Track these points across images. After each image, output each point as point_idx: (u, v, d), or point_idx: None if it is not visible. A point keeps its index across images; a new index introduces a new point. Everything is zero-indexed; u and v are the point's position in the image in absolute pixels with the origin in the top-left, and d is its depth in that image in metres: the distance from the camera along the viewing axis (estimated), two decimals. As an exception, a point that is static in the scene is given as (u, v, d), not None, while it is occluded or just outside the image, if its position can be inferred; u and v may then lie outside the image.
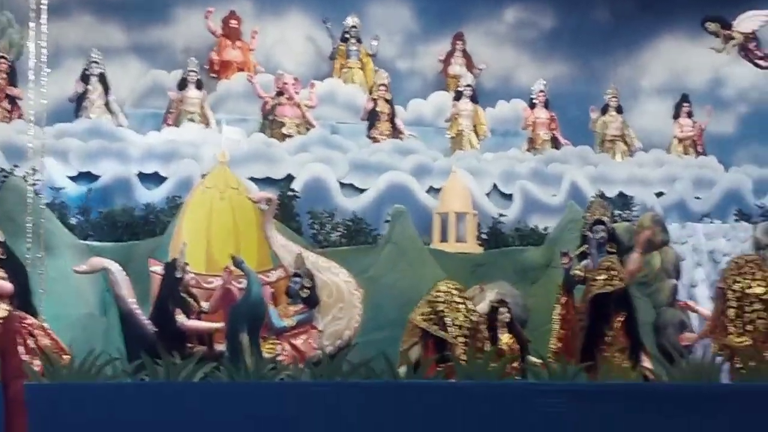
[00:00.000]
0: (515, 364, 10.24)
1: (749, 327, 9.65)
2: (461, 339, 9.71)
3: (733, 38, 19.49)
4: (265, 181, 16.08)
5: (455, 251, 15.25)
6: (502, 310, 11.09)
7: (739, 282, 9.89)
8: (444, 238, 15.77)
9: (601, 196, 16.41)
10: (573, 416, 6.37)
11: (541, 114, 19.21)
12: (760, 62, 19.75)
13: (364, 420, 6.46)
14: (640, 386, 6.90)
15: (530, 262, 14.93)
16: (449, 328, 9.76)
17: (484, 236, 16.15)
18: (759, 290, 9.76)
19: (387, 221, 15.22)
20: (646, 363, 9.23)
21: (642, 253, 10.40)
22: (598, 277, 10.26)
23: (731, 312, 9.82)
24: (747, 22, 19.26)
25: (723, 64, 20.52)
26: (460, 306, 9.99)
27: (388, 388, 6.78)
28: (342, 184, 16.59)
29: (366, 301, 12.56)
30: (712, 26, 19.43)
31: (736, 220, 17.02)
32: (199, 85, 18.17)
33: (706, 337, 10.00)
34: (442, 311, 9.91)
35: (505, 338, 10.85)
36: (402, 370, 8.44)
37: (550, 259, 14.24)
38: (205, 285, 11.72)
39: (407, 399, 6.51)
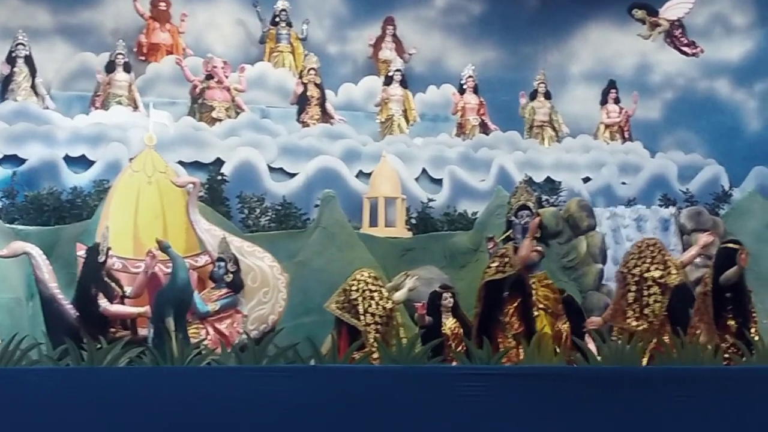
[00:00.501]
0: (460, 348, 10.37)
1: (647, 311, 9.79)
2: (373, 326, 9.74)
3: (659, 25, 19.70)
4: (193, 165, 16.00)
5: (384, 236, 15.28)
6: (445, 295, 11.22)
7: (638, 266, 9.98)
8: (373, 223, 15.78)
9: (529, 181, 16.60)
10: (494, 399, 6.43)
11: (471, 99, 19.27)
12: (686, 49, 20.00)
13: (288, 404, 6.48)
14: (561, 369, 6.99)
15: (459, 246, 15.01)
16: (360, 316, 9.79)
17: (413, 221, 16.20)
18: (656, 273, 9.85)
19: (316, 206, 15.21)
20: (591, 345, 9.30)
21: (533, 239, 10.39)
22: (491, 264, 10.30)
23: (630, 296, 9.90)
24: (673, 9, 19.47)
25: (650, 51, 20.74)
26: (374, 294, 9.99)
27: (314, 373, 6.79)
28: (271, 169, 16.53)
29: (294, 286, 12.56)
30: (639, 13, 19.61)
31: (661, 206, 17.24)
32: (127, 68, 18.04)
33: (609, 322, 10.06)
34: (356, 299, 9.92)
35: (449, 323, 10.97)
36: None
37: (478, 243, 14.33)
38: (133, 269, 11.61)
39: (332, 383, 6.53)
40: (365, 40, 20.96)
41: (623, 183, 18.14)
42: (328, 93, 18.99)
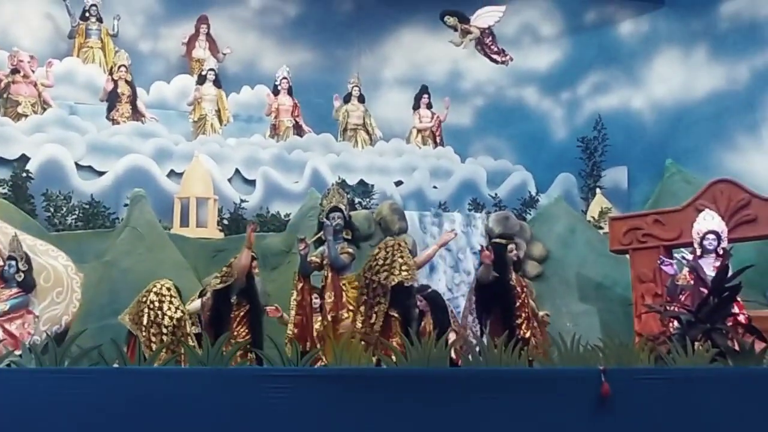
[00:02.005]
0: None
1: (372, 313, 9.94)
2: (158, 337, 9.58)
3: (470, 32, 20.04)
4: (-3, 161, 15.52)
5: (196, 236, 15.13)
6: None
7: (371, 269, 10.03)
8: (184, 223, 15.60)
9: (342, 183, 16.68)
10: (300, 401, 6.40)
11: (285, 101, 19.23)
12: (496, 57, 20.41)
13: (91, 407, 6.30)
14: (367, 371, 7.00)
15: (271, 248, 14.94)
16: (143, 327, 9.62)
17: (225, 222, 16.08)
18: (382, 276, 9.93)
19: (126, 205, 14.96)
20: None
21: (249, 248, 10.47)
22: (218, 274, 10.38)
23: (361, 299, 10.06)
24: (483, 17, 19.81)
25: (461, 57, 21.09)
26: (164, 305, 9.83)
27: (118, 375, 6.62)
28: (79, 166, 16.16)
29: (102, 286, 12.29)
30: (450, 20, 19.88)
31: (470, 210, 17.56)
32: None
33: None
34: (142, 310, 9.76)
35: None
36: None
37: (290, 245, 14.30)
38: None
39: (136, 386, 6.38)
40: (178, 38, 20.69)
41: (434, 187, 18.40)
42: (140, 91, 18.68)
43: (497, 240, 10.95)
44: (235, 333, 10.07)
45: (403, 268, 9.96)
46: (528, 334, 10.38)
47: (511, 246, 10.56)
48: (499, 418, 6.80)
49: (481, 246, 10.50)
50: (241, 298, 10.32)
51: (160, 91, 19.74)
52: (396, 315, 9.87)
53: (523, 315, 10.59)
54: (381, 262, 10.03)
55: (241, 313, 10.23)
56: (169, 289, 10.06)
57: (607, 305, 15.58)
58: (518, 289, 10.76)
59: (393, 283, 9.89)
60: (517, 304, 10.52)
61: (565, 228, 16.97)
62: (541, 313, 11.91)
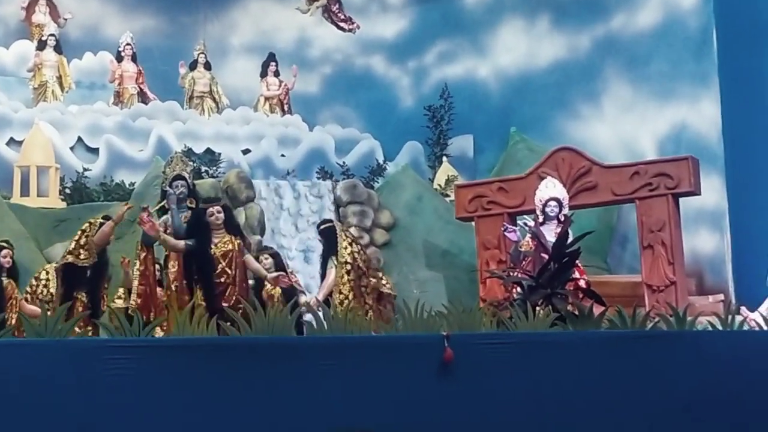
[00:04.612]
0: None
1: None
2: None
3: (317, 0, 19.99)
4: None
5: (37, 206, 14.85)
6: None
7: None
8: (25, 193, 15.25)
9: (189, 152, 16.48)
10: (143, 371, 6.32)
11: (129, 67, 18.82)
12: (343, 25, 20.42)
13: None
14: (211, 340, 6.94)
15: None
16: None
17: (67, 191, 15.77)
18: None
19: (-38, 175, 14.53)
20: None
21: (116, 224, 10.49)
22: (71, 248, 10.50)
23: None
24: (330, -16, 19.84)
25: (308, 25, 21.00)
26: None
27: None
28: None
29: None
30: (297, -14, 19.83)
31: (319, 178, 17.57)
32: None
33: None
34: None
35: None
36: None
37: (135, 214, 14.03)
38: None
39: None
40: (17, 3, 20.01)
41: (282, 155, 18.34)
42: (-23, 56, 18.10)
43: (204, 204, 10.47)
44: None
45: None
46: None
47: (211, 210, 9.99)
48: (343, 385, 6.84)
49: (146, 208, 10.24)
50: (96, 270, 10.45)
51: (-2, 56, 19.14)
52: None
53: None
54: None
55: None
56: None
57: (454, 272, 15.81)
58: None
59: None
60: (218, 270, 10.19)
61: (413, 196, 17.15)
62: (386, 287, 12.12)
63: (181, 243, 9.90)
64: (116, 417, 6.27)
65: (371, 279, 11.90)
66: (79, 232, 10.65)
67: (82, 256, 10.40)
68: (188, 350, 6.68)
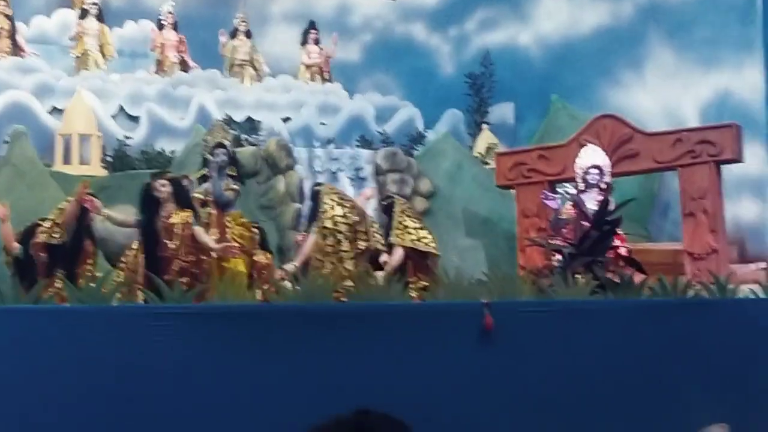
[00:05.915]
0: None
1: None
2: None
3: (358, -33, 19.94)
4: None
5: (78, 174, 14.86)
6: None
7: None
8: (67, 161, 15.34)
9: (229, 120, 16.52)
10: (185, 338, 6.36)
11: (170, 36, 18.87)
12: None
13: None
14: (252, 307, 6.99)
15: (157, 185, 14.76)
16: None
17: (109, 159, 15.85)
18: None
19: (6, 142, 14.63)
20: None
21: (77, 201, 10.43)
22: (46, 226, 10.33)
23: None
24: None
25: (349, -8, 20.97)
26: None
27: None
28: (-45, 103, 15.74)
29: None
30: (338, -45, 19.77)
31: (359, 146, 17.55)
32: None
33: None
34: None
35: None
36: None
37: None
38: None
39: (15, 325, 6.28)
40: (59, -28, 20.14)
41: (322, 123, 18.31)
42: (20, 25, 18.16)
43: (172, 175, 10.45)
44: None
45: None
46: None
47: (154, 184, 9.80)
48: (383, 352, 6.84)
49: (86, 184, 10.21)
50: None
51: (40, 25, 19.19)
52: None
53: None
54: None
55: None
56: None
57: (493, 240, 15.79)
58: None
59: None
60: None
61: (452, 164, 17.11)
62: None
63: (131, 218, 9.94)
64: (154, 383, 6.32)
65: (360, 242, 11.20)
66: (57, 211, 10.54)
67: (55, 234, 10.27)
68: (229, 317, 6.71)
